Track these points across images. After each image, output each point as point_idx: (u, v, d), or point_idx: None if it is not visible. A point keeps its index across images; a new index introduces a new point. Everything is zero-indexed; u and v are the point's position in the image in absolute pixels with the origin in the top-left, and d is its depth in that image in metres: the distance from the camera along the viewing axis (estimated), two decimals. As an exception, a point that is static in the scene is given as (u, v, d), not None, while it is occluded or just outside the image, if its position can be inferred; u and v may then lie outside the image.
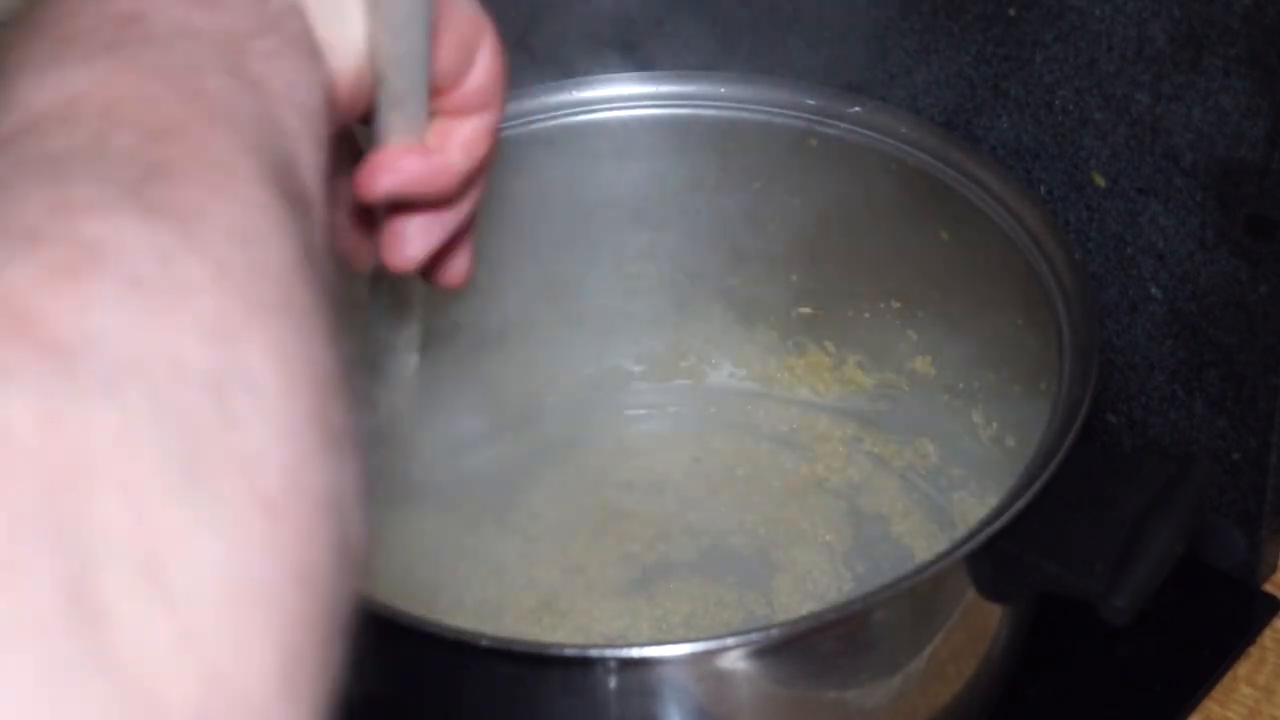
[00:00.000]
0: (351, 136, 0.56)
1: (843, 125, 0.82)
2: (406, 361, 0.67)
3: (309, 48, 0.47)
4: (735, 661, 0.64)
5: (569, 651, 0.65)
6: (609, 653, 0.64)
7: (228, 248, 0.38)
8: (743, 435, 0.88)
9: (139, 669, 0.31)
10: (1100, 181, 0.78)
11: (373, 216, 0.57)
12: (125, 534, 0.32)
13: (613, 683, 0.64)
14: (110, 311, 0.35)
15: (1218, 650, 0.80)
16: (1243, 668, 0.79)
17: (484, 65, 0.55)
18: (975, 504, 0.81)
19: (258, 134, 0.42)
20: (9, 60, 0.43)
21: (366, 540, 0.39)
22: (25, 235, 0.36)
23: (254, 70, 0.44)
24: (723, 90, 0.84)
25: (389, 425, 0.70)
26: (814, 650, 0.65)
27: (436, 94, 0.54)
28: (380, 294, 0.64)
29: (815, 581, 0.83)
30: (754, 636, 0.64)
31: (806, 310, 0.87)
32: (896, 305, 0.84)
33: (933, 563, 0.65)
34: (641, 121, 0.85)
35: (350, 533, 0.38)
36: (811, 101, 0.83)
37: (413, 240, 0.57)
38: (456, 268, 0.61)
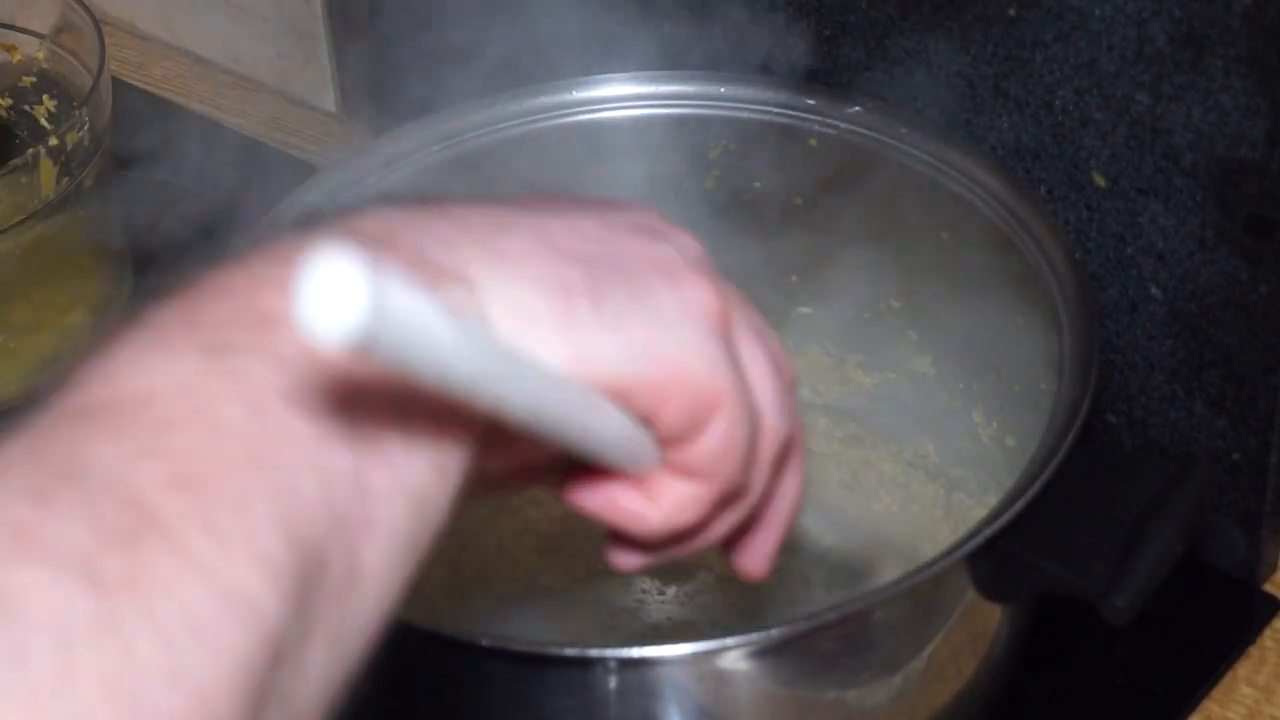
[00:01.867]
0: None
1: (843, 125, 0.82)
2: None
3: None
4: (735, 661, 0.64)
5: (569, 651, 0.65)
6: (609, 653, 0.64)
7: (150, 643, 0.35)
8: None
9: None
10: (1100, 181, 0.78)
11: None
12: None
13: (613, 683, 0.64)
14: None
15: (1218, 650, 0.80)
16: (1243, 668, 0.79)
17: (711, 436, 0.51)
18: (975, 504, 0.81)
19: (315, 491, 0.39)
20: (146, 314, 0.42)
21: None
22: None
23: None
24: (723, 90, 0.84)
25: None
26: (814, 650, 0.65)
27: (664, 445, 0.51)
28: None
29: (814, 582, 0.83)
30: (754, 636, 0.64)
31: (806, 310, 0.87)
32: (896, 305, 0.84)
33: (933, 563, 0.65)
34: (641, 121, 0.85)
35: None
36: (811, 101, 0.83)
37: (624, 559, 0.55)
38: (750, 562, 0.59)
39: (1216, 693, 0.78)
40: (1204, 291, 0.77)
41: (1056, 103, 0.78)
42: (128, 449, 0.38)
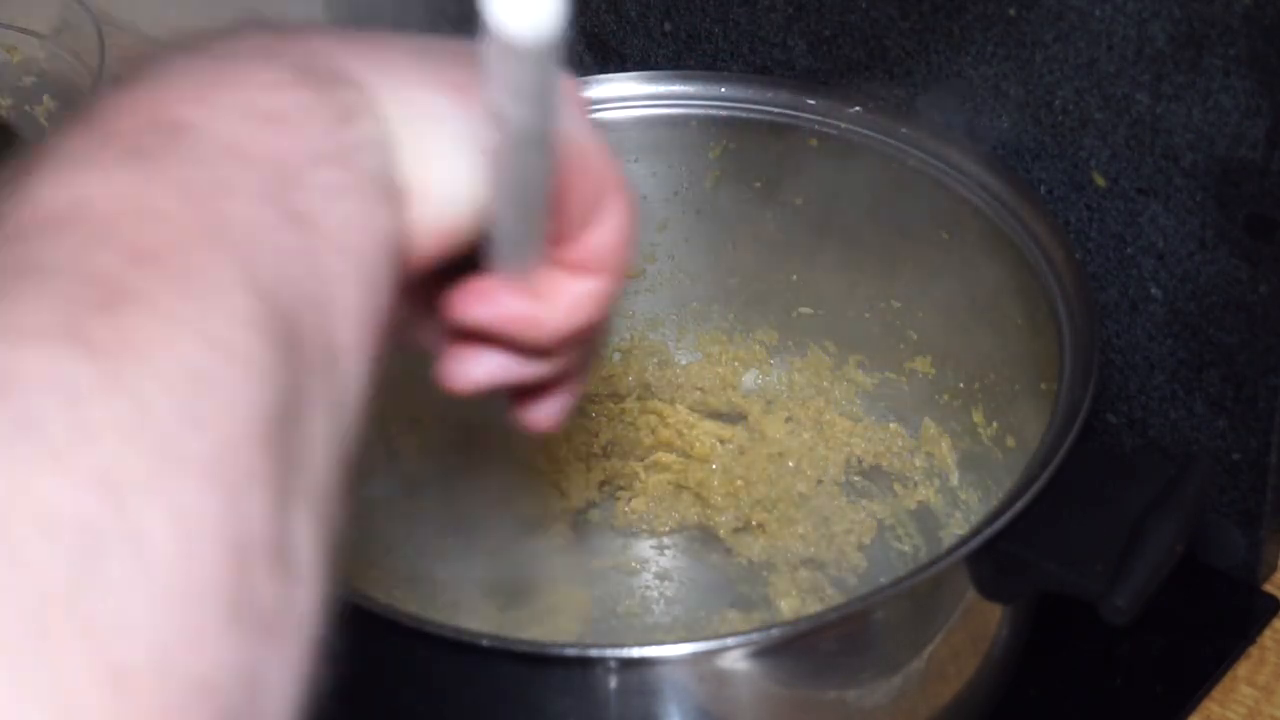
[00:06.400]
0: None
1: (843, 125, 0.82)
2: None
3: (382, 188, 0.44)
4: (735, 661, 0.64)
5: (569, 651, 0.65)
6: (609, 653, 0.64)
7: (161, 394, 0.35)
8: (742, 435, 0.88)
9: None
10: (1100, 181, 0.78)
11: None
12: None
13: (613, 683, 0.64)
14: None
15: (1218, 650, 0.80)
16: (1243, 668, 0.79)
17: (606, 229, 0.50)
18: (975, 504, 0.81)
19: (274, 269, 0.39)
20: (50, 143, 0.41)
21: None
22: None
23: (302, 203, 0.41)
24: (723, 90, 0.84)
25: None
26: (814, 650, 0.65)
27: (555, 242, 0.50)
28: None
29: (814, 581, 0.83)
30: (754, 636, 0.64)
31: (806, 310, 0.87)
32: (896, 305, 0.84)
33: (933, 563, 0.65)
34: (641, 121, 0.85)
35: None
36: (811, 101, 0.83)
37: (470, 369, 0.52)
38: (542, 413, 0.55)
39: (1216, 693, 0.78)
40: (1204, 291, 0.77)
41: (1056, 103, 0.78)
42: (75, 245, 0.37)
